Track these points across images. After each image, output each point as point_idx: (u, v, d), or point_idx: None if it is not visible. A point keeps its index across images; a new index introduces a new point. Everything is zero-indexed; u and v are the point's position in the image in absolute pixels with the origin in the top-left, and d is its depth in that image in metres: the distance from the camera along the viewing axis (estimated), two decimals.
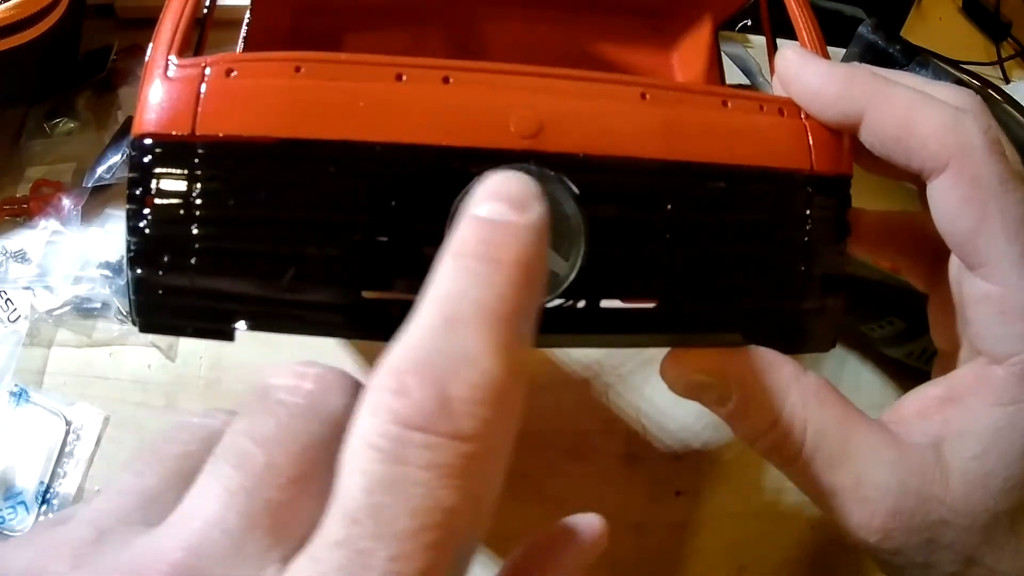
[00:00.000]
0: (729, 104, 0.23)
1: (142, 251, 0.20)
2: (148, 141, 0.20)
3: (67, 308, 0.39)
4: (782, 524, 0.39)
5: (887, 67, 0.48)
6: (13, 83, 0.43)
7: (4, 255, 0.40)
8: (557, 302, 0.21)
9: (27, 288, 0.39)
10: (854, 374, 0.44)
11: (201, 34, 0.25)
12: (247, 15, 0.32)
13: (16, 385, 0.36)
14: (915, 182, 0.23)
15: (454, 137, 0.20)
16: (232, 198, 0.20)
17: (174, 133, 0.20)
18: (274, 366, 0.18)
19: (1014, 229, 0.21)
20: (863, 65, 0.25)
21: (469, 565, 0.16)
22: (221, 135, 0.20)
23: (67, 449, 0.35)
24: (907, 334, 0.40)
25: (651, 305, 0.22)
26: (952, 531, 0.21)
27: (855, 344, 0.44)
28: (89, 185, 0.42)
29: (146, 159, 0.20)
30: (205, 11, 0.25)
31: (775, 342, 0.23)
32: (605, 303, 0.22)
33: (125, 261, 0.20)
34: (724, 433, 0.40)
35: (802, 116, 0.23)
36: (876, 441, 0.22)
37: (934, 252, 0.25)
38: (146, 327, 0.21)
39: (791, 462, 0.22)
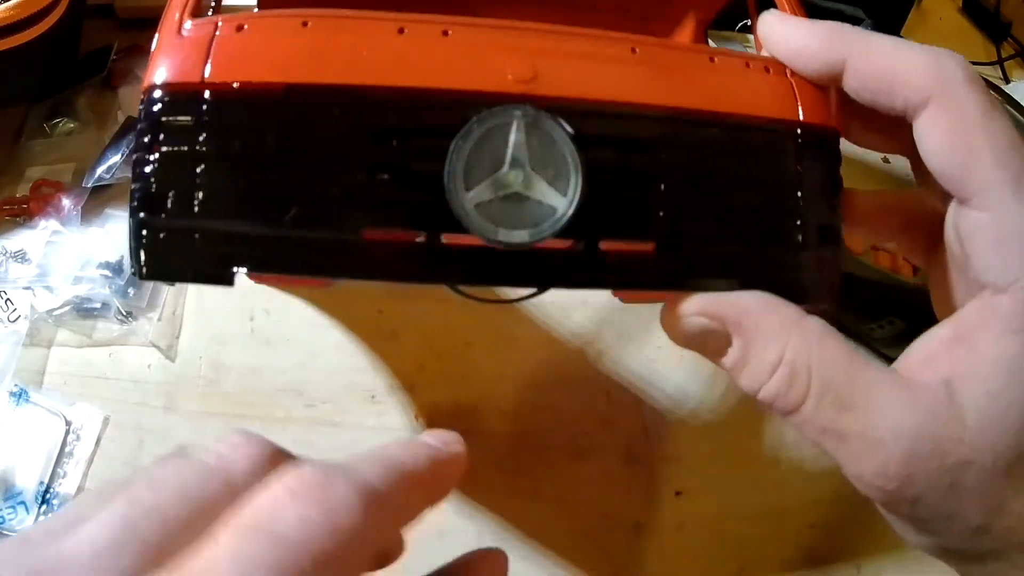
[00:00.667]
0: (716, 60, 0.24)
1: (146, 196, 0.21)
2: (158, 92, 0.21)
3: (67, 308, 0.39)
4: (782, 524, 0.39)
5: None
6: (13, 83, 0.43)
7: (4, 255, 0.41)
8: (557, 243, 0.21)
9: (27, 288, 0.39)
10: None
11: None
12: None
13: (16, 385, 0.37)
14: (904, 141, 0.24)
15: (452, 82, 0.21)
16: (237, 141, 0.21)
17: (183, 81, 0.21)
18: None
19: (1002, 154, 0.21)
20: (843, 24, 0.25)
21: None
22: (228, 81, 0.21)
23: (67, 449, 0.35)
24: (907, 334, 0.40)
25: (648, 249, 0.22)
26: (975, 473, 0.20)
27: (855, 344, 0.44)
28: (89, 185, 0.42)
29: (155, 108, 0.21)
30: None
31: (775, 288, 0.23)
32: (604, 246, 0.22)
33: (128, 210, 0.21)
34: (724, 433, 0.40)
35: (788, 73, 0.24)
36: (886, 383, 0.21)
37: (930, 227, 0.25)
38: (147, 272, 0.21)
39: (797, 409, 0.22)
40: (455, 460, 0.23)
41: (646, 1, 0.38)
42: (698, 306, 0.23)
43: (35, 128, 0.45)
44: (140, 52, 0.49)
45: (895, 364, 0.23)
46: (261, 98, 0.21)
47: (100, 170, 0.42)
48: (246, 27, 0.21)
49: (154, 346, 0.38)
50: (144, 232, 0.21)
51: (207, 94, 0.21)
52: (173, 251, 0.21)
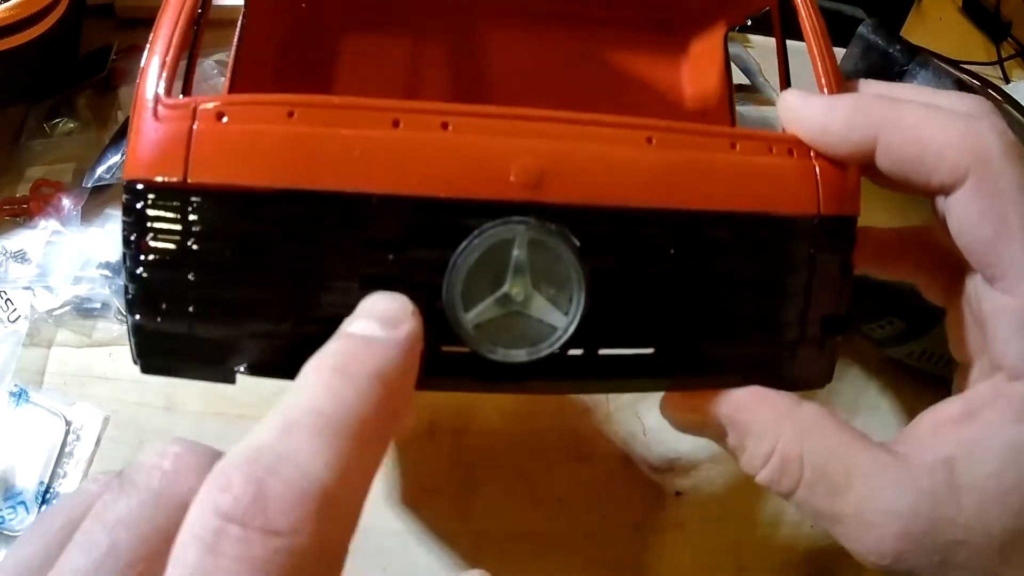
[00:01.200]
0: (737, 147, 0.22)
1: (139, 297, 0.20)
2: (140, 186, 0.20)
3: (67, 308, 0.39)
4: (782, 525, 0.39)
5: (887, 67, 0.48)
6: (13, 83, 0.43)
7: (4, 255, 0.40)
8: (555, 352, 0.21)
9: (27, 288, 0.39)
10: (855, 377, 0.44)
11: (189, 72, 0.24)
12: (241, 16, 0.32)
13: (16, 385, 0.36)
14: (930, 196, 0.23)
15: (453, 188, 0.20)
16: (227, 247, 0.20)
17: (165, 180, 0.20)
18: (149, 445, 0.19)
19: None
20: (866, 85, 0.24)
21: None
22: (213, 183, 0.20)
23: (67, 449, 0.35)
24: (907, 334, 0.40)
25: (649, 351, 0.22)
26: (967, 551, 0.21)
27: (858, 347, 0.44)
28: (89, 185, 0.42)
29: (139, 205, 0.20)
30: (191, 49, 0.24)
31: (772, 381, 0.23)
32: (603, 352, 0.22)
33: (124, 305, 0.20)
34: None
35: (811, 156, 0.23)
36: (881, 465, 0.21)
37: (950, 266, 0.24)
38: (147, 369, 0.21)
39: (792, 494, 0.22)
40: (406, 355, 0.18)
41: (671, 10, 0.38)
42: (693, 404, 0.24)
43: (35, 128, 0.45)
44: (139, 52, 0.49)
45: (903, 433, 0.23)
46: (249, 201, 0.20)
47: (100, 170, 0.42)
48: (227, 117, 0.20)
49: None
50: (140, 334, 0.20)
51: (192, 196, 0.20)
52: (170, 352, 0.21)
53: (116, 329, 0.39)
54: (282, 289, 0.20)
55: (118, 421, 0.37)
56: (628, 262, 0.21)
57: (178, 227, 0.20)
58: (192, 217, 0.20)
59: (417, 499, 0.37)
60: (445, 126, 0.20)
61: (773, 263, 0.23)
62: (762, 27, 0.34)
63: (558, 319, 0.21)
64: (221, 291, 0.20)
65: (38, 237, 0.41)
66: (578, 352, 0.21)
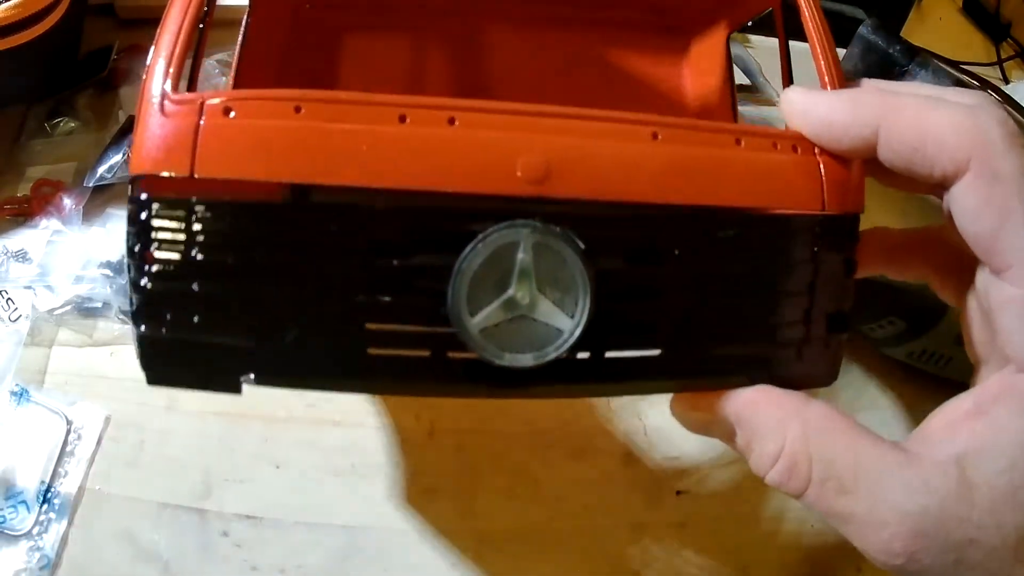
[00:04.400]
0: (743, 143, 0.22)
1: (144, 307, 0.20)
2: (144, 196, 0.20)
3: (68, 308, 0.39)
4: (784, 525, 0.39)
5: (887, 67, 0.49)
6: (14, 82, 0.43)
7: (5, 255, 0.40)
8: (562, 356, 0.21)
9: (28, 288, 0.39)
10: (856, 378, 0.44)
11: (194, 67, 0.24)
12: (246, 16, 0.32)
13: (17, 385, 0.36)
14: (936, 193, 0.23)
15: (459, 182, 0.20)
16: (232, 256, 0.20)
17: (172, 175, 0.20)
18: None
19: None
20: (867, 81, 0.25)
21: None
22: (220, 178, 0.20)
23: (68, 448, 0.35)
24: (907, 334, 0.40)
25: (655, 353, 0.22)
26: (980, 550, 0.20)
27: (855, 344, 0.44)
28: (90, 184, 0.42)
29: (143, 215, 0.20)
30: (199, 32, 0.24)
31: (779, 380, 0.23)
32: (610, 354, 0.22)
33: (130, 316, 0.20)
34: None
35: (816, 152, 0.23)
36: (891, 464, 0.21)
37: (961, 265, 0.24)
38: (153, 380, 0.21)
39: (802, 495, 0.22)
40: None
41: (675, 9, 0.38)
42: (701, 405, 0.23)
43: (36, 128, 0.45)
44: (140, 52, 0.49)
45: (916, 431, 0.23)
46: (253, 210, 0.20)
47: (101, 169, 0.42)
48: (234, 112, 0.20)
49: None
50: (146, 345, 0.20)
51: (195, 201, 0.20)
52: (176, 362, 0.20)
53: (117, 328, 0.39)
54: (287, 298, 0.20)
55: (119, 420, 0.37)
56: (633, 263, 0.21)
57: (182, 236, 0.20)
58: (196, 227, 0.20)
59: (417, 499, 0.37)
60: (452, 121, 0.20)
61: (778, 261, 0.23)
62: (763, 27, 0.34)
63: (564, 322, 0.20)
64: (226, 300, 0.20)
65: (39, 236, 0.41)
66: (584, 356, 0.21)
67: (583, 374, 0.22)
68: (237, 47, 0.31)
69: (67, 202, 0.42)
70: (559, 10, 0.37)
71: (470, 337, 0.20)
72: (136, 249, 0.20)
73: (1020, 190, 0.20)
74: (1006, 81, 0.65)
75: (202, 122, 0.20)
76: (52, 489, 0.34)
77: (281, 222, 0.20)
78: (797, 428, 0.22)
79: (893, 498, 0.21)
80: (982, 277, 0.23)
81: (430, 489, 0.37)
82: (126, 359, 0.38)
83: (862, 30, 0.52)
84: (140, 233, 0.20)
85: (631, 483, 0.39)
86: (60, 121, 0.45)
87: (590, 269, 0.20)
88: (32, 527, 0.33)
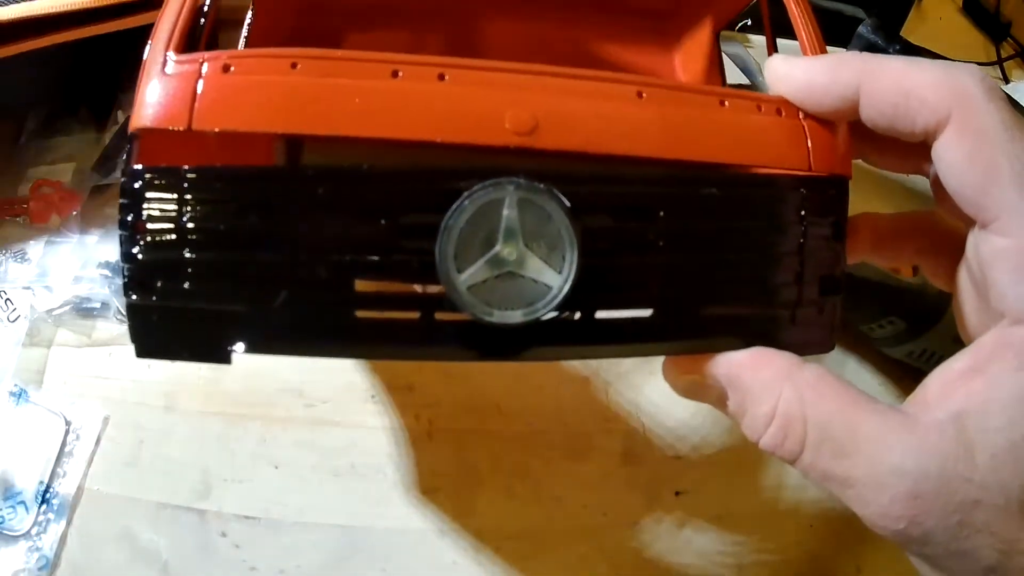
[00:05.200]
0: (727, 104, 0.23)
1: (136, 277, 0.20)
2: (138, 167, 0.20)
3: (67, 308, 0.39)
4: (782, 524, 0.39)
5: None
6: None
7: (4, 255, 0.41)
8: (552, 315, 0.21)
9: (27, 288, 0.39)
10: (854, 375, 0.44)
11: (202, 32, 0.25)
12: (249, 15, 0.32)
13: (16, 385, 0.36)
14: (923, 167, 0.23)
15: (449, 134, 0.20)
16: (221, 222, 0.20)
17: (171, 128, 0.20)
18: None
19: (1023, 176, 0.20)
20: (849, 51, 0.25)
21: None
22: (215, 128, 0.20)
23: (67, 449, 0.35)
24: (907, 334, 0.40)
25: (647, 314, 0.22)
26: (985, 512, 0.20)
27: (855, 344, 0.44)
28: (89, 185, 0.42)
29: (136, 185, 0.20)
30: (206, 9, 0.25)
31: (773, 344, 0.23)
32: (601, 314, 0.22)
33: (122, 287, 0.20)
34: (723, 433, 0.40)
35: (800, 116, 0.23)
36: (888, 425, 0.21)
37: (953, 249, 0.24)
38: (143, 352, 0.21)
39: (796, 457, 0.22)
40: None
41: (660, 8, 0.38)
42: (694, 366, 0.23)
43: (35, 129, 0.45)
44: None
45: (912, 396, 0.23)
46: (242, 176, 0.20)
47: (100, 171, 0.42)
48: (233, 68, 0.20)
49: None
50: (136, 314, 0.20)
51: (187, 170, 0.20)
52: (166, 331, 0.20)
53: (116, 329, 0.39)
54: (276, 262, 0.20)
55: (118, 421, 0.37)
56: (620, 220, 0.22)
57: (173, 205, 0.20)
58: (187, 195, 0.20)
59: (417, 499, 0.37)
60: (442, 77, 0.21)
61: (766, 220, 0.23)
62: (761, 27, 0.34)
63: (552, 278, 0.20)
64: (216, 267, 0.20)
65: (38, 237, 0.41)
66: (576, 316, 0.21)
67: (575, 335, 0.22)
68: (240, 46, 0.32)
69: (66, 203, 0.42)
70: (550, 7, 0.38)
71: (458, 295, 0.20)
72: (129, 219, 0.20)
73: (1003, 141, 0.20)
74: (1006, 81, 0.65)
75: (201, 78, 0.20)
76: (51, 489, 0.34)
77: (270, 187, 0.20)
78: (790, 390, 0.21)
79: (891, 460, 0.20)
80: (972, 239, 0.22)
81: (430, 489, 0.37)
82: (125, 359, 0.38)
83: (861, 29, 0.52)
84: (132, 204, 0.20)
85: (631, 483, 0.39)
86: (60, 122, 0.45)
87: (576, 225, 0.20)
88: (31, 527, 0.33)
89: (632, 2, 0.38)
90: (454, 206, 0.20)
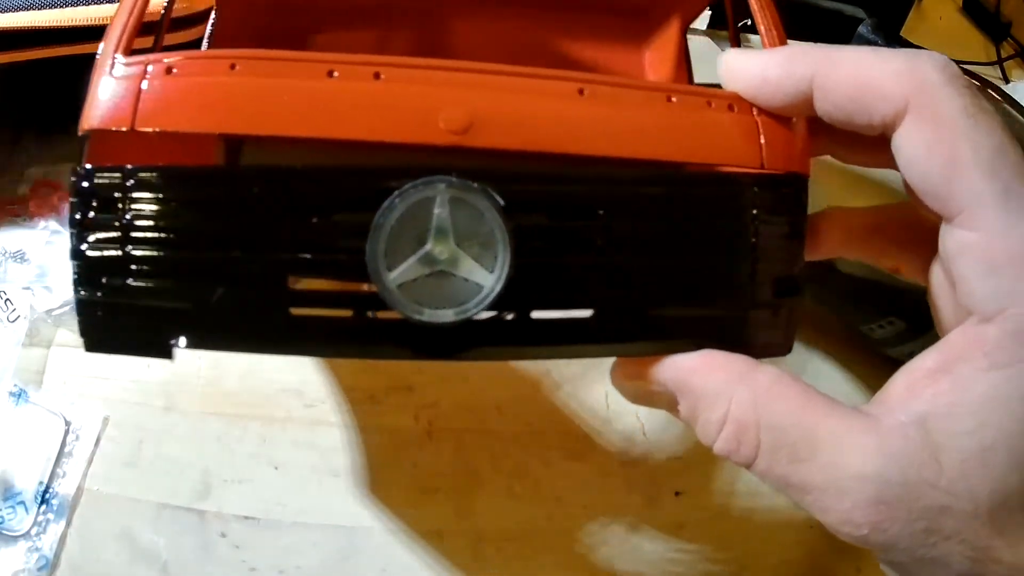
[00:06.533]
0: (674, 100, 0.22)
1: (83, 273, 0.21)
2: (87, 167, 0.21)
3: (66, 308, 0.39)
4: (782, 524, 0.39)
5: None
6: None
7: (3, 255, 0.40)
8: (486, 315, 0.21)
9: (26, 288, 0.39)
10: (854, 375, 0.44)
11: (159, 35, 0.26)
12: (212, 17, 0.32)
13: (15, 385, 0.36)
14: (885, 159, 0.22)
15: (382, 132, 0.21)
16: (162, 220, 0.21)
17: (114, 129, 0.21)
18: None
19: (987, 165, 0.19)
20: (805, 43, 0.24)
21: None
22: (155, 128, 0.21)
23: (66, 449, 0.35)
24: (907, 334, 0.40)
25: (587, 315, 0.22)
26: (953, 519, 0.19)
27: (855, 344, 0.44)
28: None
29: (84, 184, 0.21)
30: (163, 12, 0.25)
31: (727, 348, 0.22)
32: (539, 315, 0.21)
33: (71, 283, 0.21)
34: None
35: (753, 112, 0.23)
36: (847, 428, 0.20)
37: (928, 243, 0.23)
38: (91, 347, 0.22)
39: (751, 463, 0.21)
40: None
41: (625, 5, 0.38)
42: (640, 372, 0.22)
43: (35, 129, 0.45)
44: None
45: (875, 397, 0.22)
46: (183, 177, 0.21)
47: None
48: (175, 70, 0.21)
49: None
50: (84, 309, 0.21)
51: (132, 169, 0.21)
52: (112, 327, 0.21)
53: None
54: (214, 259, 0.21)
55: (118, 421, 0.37)
56: (557, 220, 0.21)
57: (118, 204, 0.21)
58: (132, 194, 0.21)
59: (417, 499, 0.37)
60: (377, 76, 0.21)
61: (715, 220, 0.22)
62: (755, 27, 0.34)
63: (484, 277, 0.20)
64: (157, 264, 0.21)
65: (37, 237, 0.41)
66: (511, 316, 0.21)
67: (510, 335, 0.22)
68: (204, 46, 0.32)
69: (66, 203, 0.42)
70: (518, 6, 0.38)
71: (388, 293, 0.20)
72: (77, 217, 0.21)
73: (965, 128, 0.19)
74: (1006, 81, 0.65)
75: (145, 81, 0.21)
76: (50, 490, 0.34)
77: (207, 186, 0.21)
78: (743, 393, 0.21)
79: (851, 465, 0.19)
80: (942, 233, 0.21)
81: (430, 489, 0.37)
82: (125, 359, 0.38)
83: (861, 29, 0.52)
84: (81, 202, 0.21)
85: (630, 483, 0.39)
86: (59, 122, 0.45)
87: (509, 224, 0.20)
88: (30, 528, 0.33)
89: (601, 1, 0.38)
90: (385, 204, 0.20)
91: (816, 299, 0.42)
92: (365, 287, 0.20)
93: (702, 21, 0.56)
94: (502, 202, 0.20)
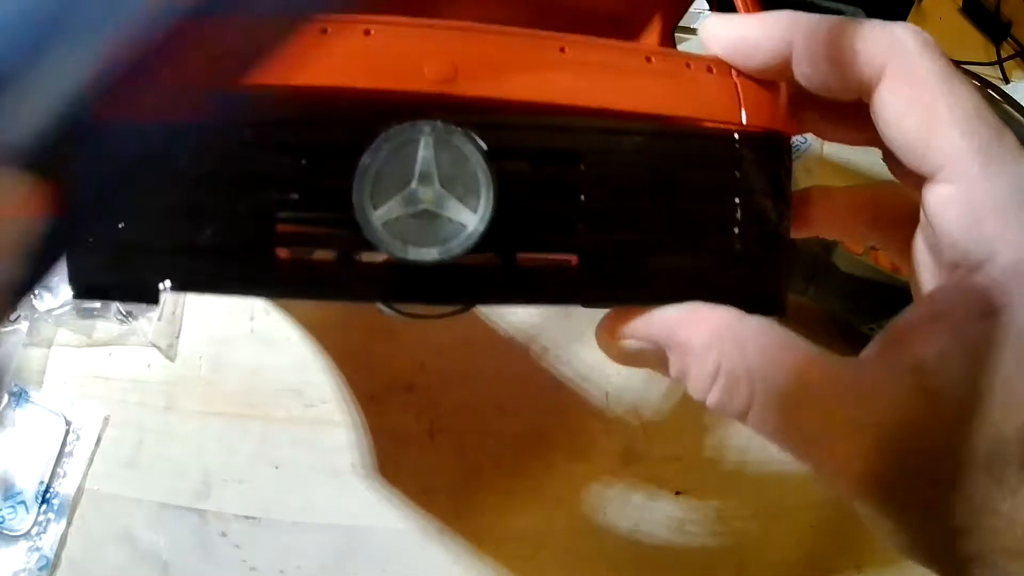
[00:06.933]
0: (653, 60, 0.23)
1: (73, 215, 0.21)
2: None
3: (67, 308, 0.39)
4: (782, 524, 0.39)
5: None
6: None
7: None
8: (469, 255, 0.21)
9: None
10: None
11: None
12: None
13: (16, 385, 0.37)
14: (874, 132, 0.22)
15: (368, 80, 0.21)
16: (150, 160, 0.21)
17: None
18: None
19: (966, 122, 0.20)
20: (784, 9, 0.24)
21: None
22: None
23: (67, 449, 0.35)
24: None
25: (572, 262, 0.22)
26: (948, 468, 0.19)
27: (855, 344, 0.44)
28: None
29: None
30: None
31: (713, 300, 0.22)
32: (524, 259, 0.22)
33: None
34: (724, 433, 0.40)
35: (732, 74, 0.23)
36: (843, 377, 0.20)
37: (907, 220, 0.23)
38: (79, 292, 0.22)
39: (746, 415, 0.20)
40: None
41: (612, 3, 0.38)
42: (626, 327, 0.22)
43: None
44: None
45: (866, 349, 0.22)
46: (172, 116, 0.21)
47: None
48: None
49: (154, 346, 0.38)
50: (73, 255, 0.21)
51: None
52: (99, 271, 0.21)
53: (116, 329, 0.39)
54: (203, 202, 0.21)
55: (118, 421, 0.37)
56: (539, 164, 0.22)
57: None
58: (128, 144, 0.21)
59: (417, 499, 0.37)
60: (368, 32, 0.22)
61: (696, 171, 0.23)
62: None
63: (468, 218, 0.21)
64: (145, 203, 0.21)
65: None
66: (497, 261, 0.22)
67: (495, 279, 0.22)
68: None
69: None
70: (506, 11, 0.38)
71: (373, 231, 0.20)
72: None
73: (941, 88, 0.20)
74: (1006, 81, 0.65)
75: None
76: (51, 489, 0.34)
77: (200, 134, 0.21)
78: (732, 343, 0.20)
79: (845, 413, 0.19)
80: (923, 198, 0.21)
81: (430, 489, 0.37)
82: (125, 359, 0.38)
83: None
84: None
85: (631, 483, 0.39)
86: None
87: (492, 167, 0.21)
88: (31, 527, 0.33)
89: (587, 9, 0.38)
90: (371, 146, 0.20)
91: (816, 299, 0.42)
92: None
93: (698, 20, 0.56)
94: (485, 147, 0.21)
